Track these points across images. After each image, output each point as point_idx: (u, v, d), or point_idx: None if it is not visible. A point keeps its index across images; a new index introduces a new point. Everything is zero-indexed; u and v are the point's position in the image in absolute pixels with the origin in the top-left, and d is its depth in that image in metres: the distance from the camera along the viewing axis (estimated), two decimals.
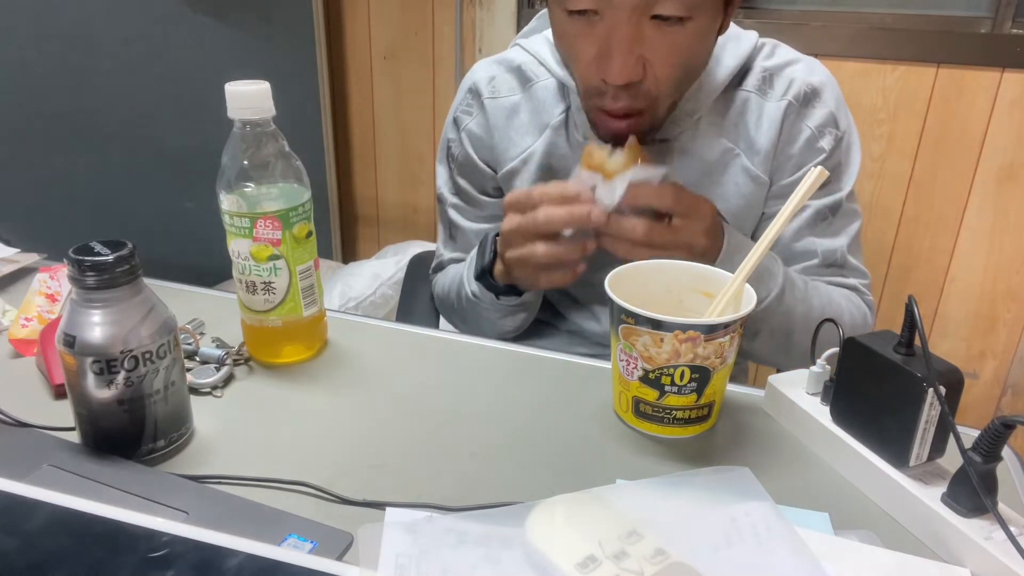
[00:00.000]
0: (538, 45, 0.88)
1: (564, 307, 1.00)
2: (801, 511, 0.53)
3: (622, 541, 0.46)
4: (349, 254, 2.39)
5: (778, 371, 0.74)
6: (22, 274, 0.87)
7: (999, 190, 1.59)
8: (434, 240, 2.20)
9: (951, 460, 0.52)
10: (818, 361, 0.62)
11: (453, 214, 0.96)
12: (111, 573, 0.33)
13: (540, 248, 0.72)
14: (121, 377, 0.53)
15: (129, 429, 0.55)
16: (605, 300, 0.59)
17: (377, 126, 2.21)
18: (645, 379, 0.58)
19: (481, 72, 0.91)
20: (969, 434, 0.52)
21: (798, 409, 0.61)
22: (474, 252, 0.87)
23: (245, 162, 0.63)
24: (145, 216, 1.67)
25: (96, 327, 0.52)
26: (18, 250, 0.91)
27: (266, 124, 0.63)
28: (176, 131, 1.68)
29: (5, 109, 1.38)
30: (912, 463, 0.52)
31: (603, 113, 0.75)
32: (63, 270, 0.79)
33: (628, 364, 0.59)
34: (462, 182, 0.94)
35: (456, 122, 0.92)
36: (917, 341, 0.52)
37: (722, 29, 0.76)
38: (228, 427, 0.61)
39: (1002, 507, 0.49)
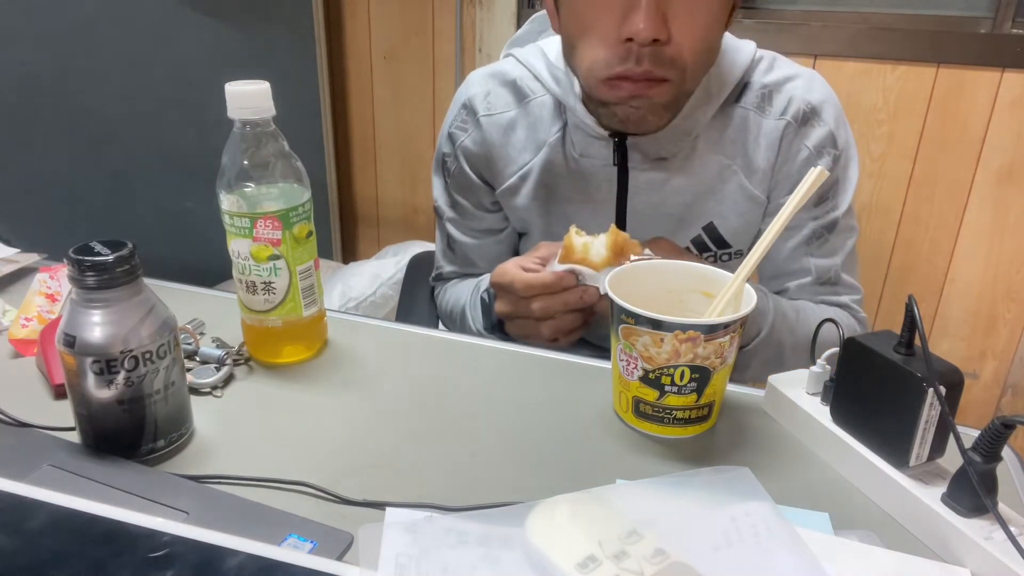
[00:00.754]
0: (533, 58, 0.87)
1: None
2: (801, 511, 0.53)
3: (622, 541, 0.46)
4: (349, 254, 2.39)
5: None
6: (22, 274, 0.87)
7: (999, 190, 1.59)
8: (434, 240, 2.21)
9: (951, 460, 0.52)
10: (818, 361, 0.62)
11: (450, 228, 0.95)
12: (111, 573, 0.33)
13: (544, 330, 0.72)
14: (121, 377, 0.53)
15: (129, 429, 0.55)
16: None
17: (377, 126, 2.21)
18: (645, 379, 0.58)
19: (476, 87, 0.89)
20: (969, 434, 0.52)
21: (798, 409, 0.61)
22: (475, 297, 0.86)
23: (245, 162, 0.63)
24: (145, 216, 1.67)
25: (96, 327, 0.52)
26: (18, 250, 0.91)
27: (266, 124, 0.63)
28: (176, 131, 1.68)
29: (5, 109, 1.38)
30: (912, 463, 0.52)
31: (621, 82, 0.72)
32: (63, 270, 0.79)
33: (628, 364, 0.59)
34: (458, 197, 0.93)
35: (451, 138, 0.91)
36: (917, 341, 0.52)
37: (729, 21, 0.75)
38: (228, 427, 0.61)
39: (1002, 507, 0.49)
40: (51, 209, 1.48)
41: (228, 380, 0.67)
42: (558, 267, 0.70)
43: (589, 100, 0.80)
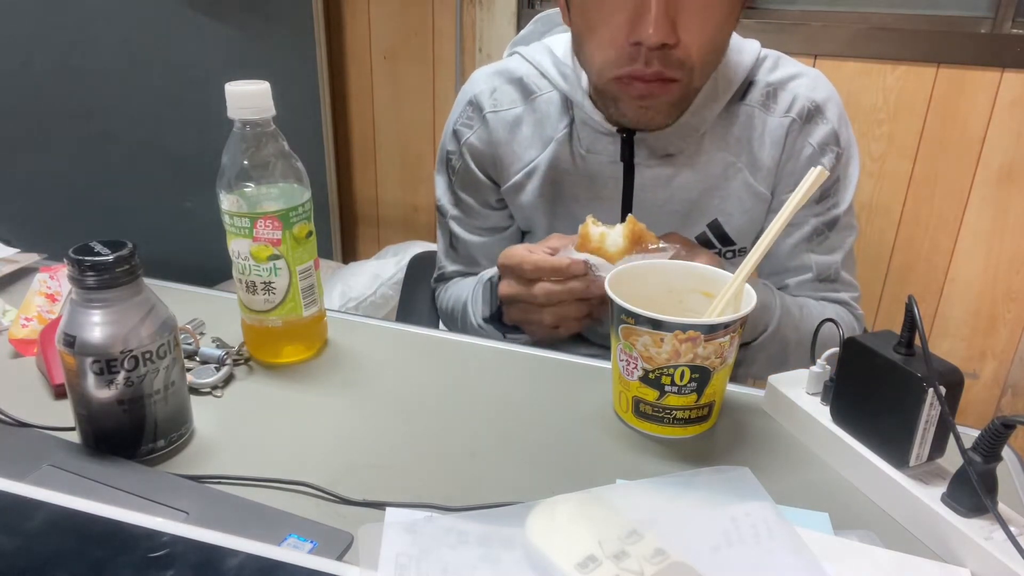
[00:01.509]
0: (539, 55, 0.87)
1: None
2: (801, 511, 0.53)
3: (622, 541, 0.46)
4: (349, 254, 2.39)
5: None
6: (22, 274, 0.87)
7: (999, 190, 1.59)
8: (434, 240, 2.20)
9: (951, 460, 0.52)
10: (818, 361, 0.62)
11: (454, 226, 0.95)
12: (111, 573, 0.33)
13: (546, 316, 0.72)
14: (121, 377, 0.53)
15: (129, 429, 0.55)
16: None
17: (377, 126, 2.21)
18: (645, 379, 0.58)
19: (482, 84, 0.90)
20: (969, 434, 0.52)
21: (798, 409, 0.61)
22: (478, 288, 0.86)
23: (245, 162, 0.63)
24: (145, 216, 1.67)
25: (96, 327, 0.52)
26: (18, 250, 0.91)
27: (266, 124, 0.63)
28: (176, 131, 1.68)
29: (5, 109, 1.38)
30: (912, 463, 0.52)
31: (632, 80, 0.73)
32: (63, 270, 0.79)
33: (628, 364, 0.59)
34: (462, 195, 0.93)
35: (456, 135, 0.91)
36: (917, 341, 0.52)
37: (737, 20, 0.76)
38: (228, 427, 0.61)
39: (1002, 507, 0.49)
40: (51, 209, 1.48)
41: (228, 380, 0.67)
42: (574, 254, 0.69)
43: (598, 96, 0.80)
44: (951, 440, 0.50)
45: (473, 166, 0.90)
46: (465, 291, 0.91)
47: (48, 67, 1.43)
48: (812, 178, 0.59)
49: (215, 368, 0.67)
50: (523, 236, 0.96)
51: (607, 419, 0.63)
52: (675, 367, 0.56)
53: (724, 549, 0.47)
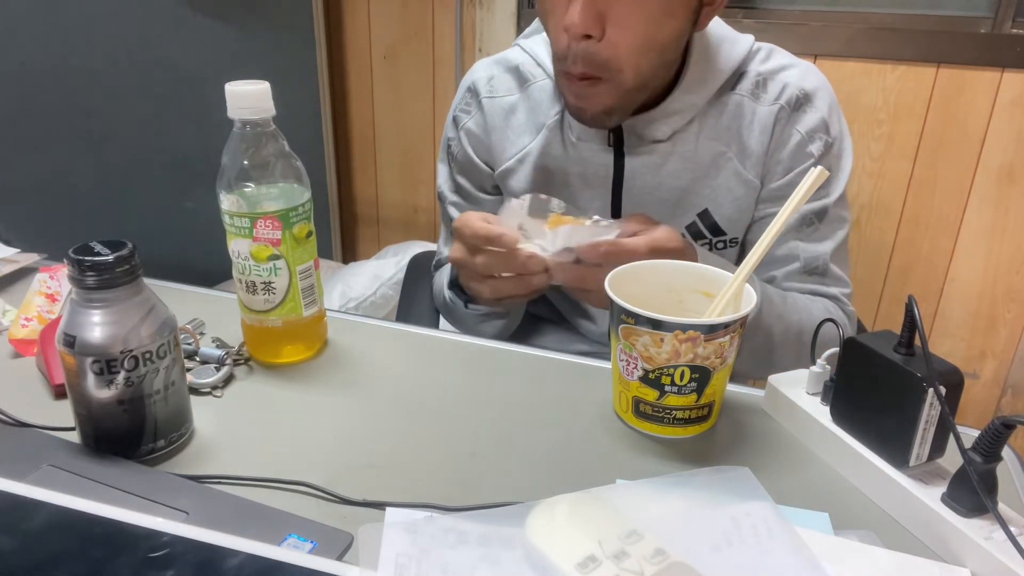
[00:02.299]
0: (537, 46, 0.89)
1: (562, 307, 1.00)
2: (801, 511, 0.53)
3: (622, 541, 0.46)
4: (349, 254, 2.39)
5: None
6: (22, 274, 0.87)
7: (999, 190, 1.59)
8: (434, 240, 2.21)
9: (951, 460, 0.52)
10: (818, 361, 0.62)
11: (453, 212, 0.96)
12: (111, 573, 0.33)
13: (485, 288, 0.72)
14: (121, 377, 0.53)
15: (129, 429, 0.55)
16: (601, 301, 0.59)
17: (377, 126, 2.21)
18: (645, 379, 0.58)
19: (480, 72, 0.91)
20: (969, 434, 0.52)
21: (798, 409, 0.61)
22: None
23: (245, 162, 0.63)
24: (145, 216, 1.67)
25: (96, 327, 0.52)
26: (18, 250, 0.91)
27: (266, 124, 0.63)
28: (176, 131, 1.68)
29: (5, 109, 1.38)
30: (912, 463, 0.52)
31: (566, 78, 0.75)
32: (63, 270, 0.79)
33: (628, 364, 0.59)
34: (461, 180, 0.95)
35: (455, 121, 0.93)
36: (917, 341, 0.52)
37: (698, 26, 0.76)
38: (228, 427, 0.61)
39: (1002, 507, 0.49)
40: (51, 209, 1.48)
41: (228, 380, 0.67)
42: (510, 222, 0.69)
43: None
44: (951, 440, 0.50)
45: (470, 151, 0.92)
46: (447, 269, 0.93)
47: (48, 67, 1.43)
48: (812, 178, 0.59)
49: (215, 368, 0.67)
50: None
51: (607, 419, 0.63)
52: (675, 367, 0.56)
53: (724, 549, 0.47)
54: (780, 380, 0.65)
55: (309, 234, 0.67)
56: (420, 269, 1.23)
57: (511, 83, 0.89)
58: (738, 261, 0.85)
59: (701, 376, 0.57)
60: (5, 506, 0.36)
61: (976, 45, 1.53)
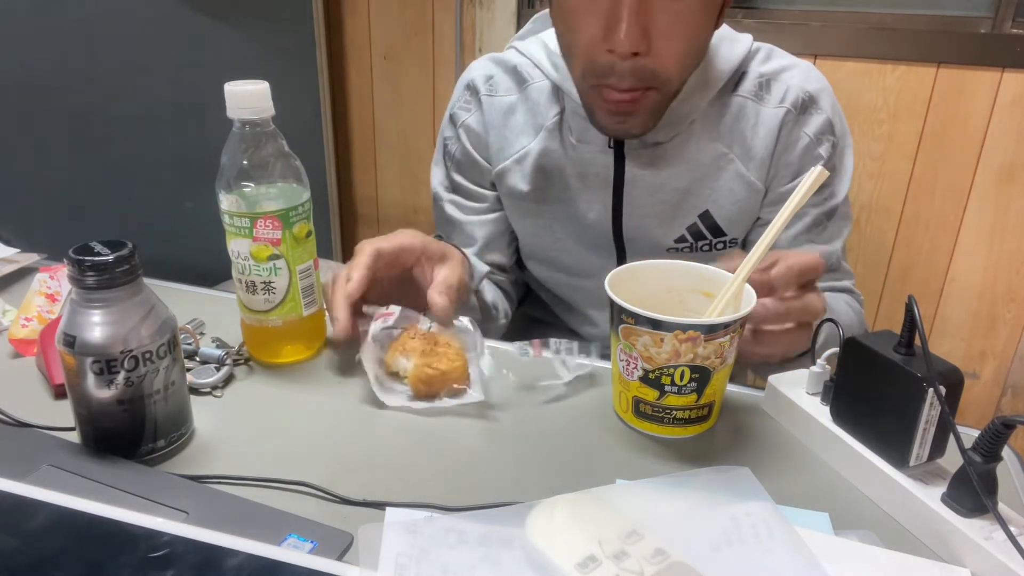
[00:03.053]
0: (533, 47, 0.88)
1: (560, 311, 1.00)
2: (801, 511, 0.53)
3: (622, 541, 0.46)
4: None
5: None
6: (22, 274, 0.87)
7: (999, 190, 1.59)
8: None
9: (951, 460, 0.52)
10: (818, 361, 0.62)
11: (451, 209, 0.95)
12: (111, 573, 0.33)
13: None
14: (121, 377, 0.53)
15: (129, 429, 0.55)
16: (599, 304, 0.59)
17: (377, 126, 2.21)
18: (645, 379, 0.58)
19: (479, 70, 0.91)
20: (969, 434, 0.52)
21: (798, 409, 0.61)
22: None
23: (245, 162, 0.63)
24: (145, 216, 1.67)
25: (96, 327, 0.52)
26: (18, 250, 0.91)
27: (266, 124, 0.63)
28: (176, 131, 1.68)
29: (5, 109, 1.38)
30: (912, 463, 0.52)
31: (608, 90, 0.74)
32: (63, 270, 0.79)
33: (628, 364, 0.59)
34: (459, 178, 0.94)
35: (453, 119, 0.92)
36: (917, 341, 0.52)
37: (720, 16, 0.76)
38: (228, 427, 0.61)
39: (1002, 507, 0.49)
40: (51, 209, 1.48)
41: (228, 380, 0.67)
42: (370, 312, 0.70)
43: (580, 98, 0.81)
44: (951, 440, 0.50)
45: (470, 147, 0.92)
46: None
47: (48, 67, 1.43)
48: (812, 178, 0.59)
49: (215, 368, 0.67)
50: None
51: (607, 419, 0.63)
52: (675, 367, 0.56)
53: (724, 549, 0.47)
54: (780, 380, 0.65)
55: (309, 234, 0.67)
56: None
57: (510, 83, 0.89)
58: None
59: (701, 376, 0.57)
60: (5, 506, 0.36)
61: (976, 45, 1.53)
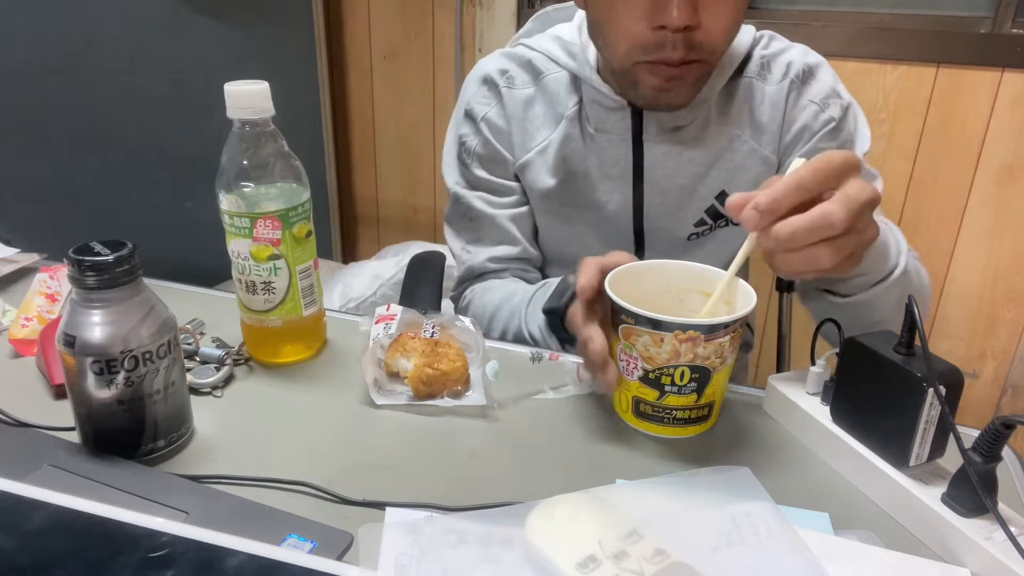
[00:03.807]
0: (543, 42, 0.89)
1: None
2: (801, 511, 0.53)
3: (622, 541, 0.46)
4: (349, 254, 2.39)
5: (778, 370, 0.74)
6: (22, 274, 0.87)
7: (999, 190, 1.59)
8: (434, 240, 2.20)
9: (951, 460, 0.52)
10: (818, 361, 0.62)
11: (480, 205, 0.91)
12: (111, 573, 0.33)
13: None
14: (121, 377, 0.53)
15: (129, 429, 0.55)
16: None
17: (377, 126, 2.21)
18: (645, 379, 0.58)
19: (492, 64, 0.91)
20: (969, 434, 0.52)
21: (798, 409, 0.61)
22: (533, 293, 0.81)
23: (244, 162, 0.63)
24: (145, 216, 1.67)
25: (96, 327, 0.52)
26: (18, 250, 0.91)
27: (265, 124, 0.63)
28: (176, 131, 1.68)
29: (6, 109, 1.38)
30: (912, 463, 0.52)
31: (658, 66, 0.75)
32: (63, 270, 0.79)
33: (628, 364, 0.59)
34: (483, 174, 0.91)
35: (471, 114, 0.91)
36: (917, 341, 0.52)
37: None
38: (228, 427, 0.61)
39: (1002, 507, 0.49)
40: (51, 209, 1.48)
41: (228, 380, 0.67)
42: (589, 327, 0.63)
43: (617, 79, 0.81)
44: (951, 440, 0.50)
45: (493, 140, 0.91)
46: (500, 299, 0.86)
47: (48, 67, 1.43)
48: (794, 166, 0.57)
49: (215, 368, 0.67)
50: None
51: (607, 419, 0.63)
52: (675, 367, 0.56)
53: (724, 549, 0.47)
54: (780, 380, 0.65)
55: (309, 234, 0.67)
56: (420, 269, 1.23)
57: (526, 76, 0.89)
58: None
59: (701, 376, 0.57)
60: (5, 506, 0.36)
61: (976, 45, 1.53)
